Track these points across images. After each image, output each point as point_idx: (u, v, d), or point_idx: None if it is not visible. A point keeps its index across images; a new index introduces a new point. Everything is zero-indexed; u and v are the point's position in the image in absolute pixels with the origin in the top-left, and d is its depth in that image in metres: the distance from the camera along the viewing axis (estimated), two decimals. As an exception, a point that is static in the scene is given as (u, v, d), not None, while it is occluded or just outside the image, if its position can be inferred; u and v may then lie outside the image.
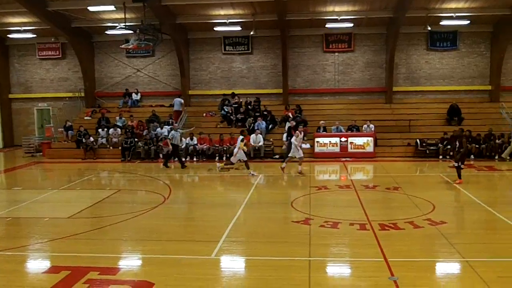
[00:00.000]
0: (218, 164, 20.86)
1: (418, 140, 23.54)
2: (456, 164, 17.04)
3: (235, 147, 20.23)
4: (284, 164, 19.23)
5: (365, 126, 24.26)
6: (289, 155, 19.23)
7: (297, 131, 19.29)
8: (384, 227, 11.61)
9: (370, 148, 23.33)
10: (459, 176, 16.92)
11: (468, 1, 24.13)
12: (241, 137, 20.08)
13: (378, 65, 27.69)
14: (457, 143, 17.27)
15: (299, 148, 18.92)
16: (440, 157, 22.87)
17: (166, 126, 24.86)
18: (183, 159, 22.21)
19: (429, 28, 25.88)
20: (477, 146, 22.74)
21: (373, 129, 24.08)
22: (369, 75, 27.87)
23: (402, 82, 27.71)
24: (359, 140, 23.45)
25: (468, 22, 25.63)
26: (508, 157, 22.07)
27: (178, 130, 21.94)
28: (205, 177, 19.86)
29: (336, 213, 13.10)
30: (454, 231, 11.46)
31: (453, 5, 24.52)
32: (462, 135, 17.48)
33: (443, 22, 25.78)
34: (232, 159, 19.78)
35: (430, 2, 24.09)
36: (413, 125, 24.96)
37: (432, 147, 23.27)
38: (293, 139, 19.17)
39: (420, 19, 25.43)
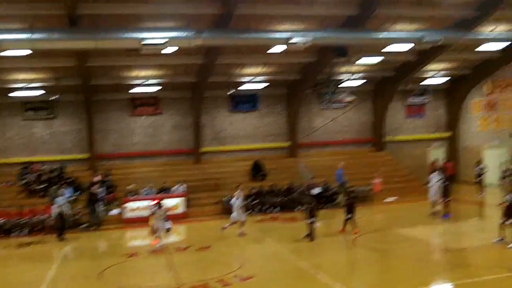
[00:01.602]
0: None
1: (225, 198, 24.44)
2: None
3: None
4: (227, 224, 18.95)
5: (176, 186, 24.57)
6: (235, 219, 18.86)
7: (238, 191, 19.06)
8: (195, 289, 11.84)
9: (181, 209, 23.63)
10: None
11: (265, 67, 26.25)
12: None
13: (185, 127, 28.48)
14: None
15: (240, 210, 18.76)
16: (248, 212, 23.92)
17: None
18: None
19: (231, 92, 27.51)
20: (280, 199, 24.35)
21: (184, 189, 24.47)
22: (178, 137, 28.49)
23: (209, 143, 28.78)
24: (170, 202, 23.62)
25: (266, 85, 27.81)
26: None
27: None
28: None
29: (148, 280, 13.05)
30: (261, 285, 12.11)
31: (251, 71, 26.46)
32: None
33: (243, 86, 27.63)
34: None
35: (231, 68, 25.74)
36: (221, 183, 25.94)
37: (240, 204, 24.30)
38: (233, 201, 18.88)
39: (223, 84, 26.96)
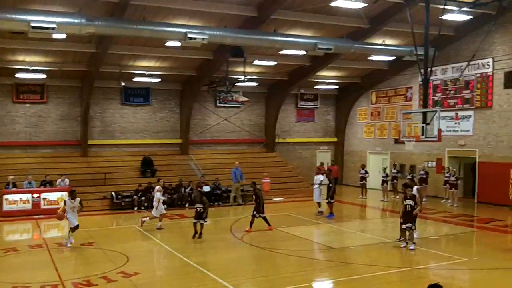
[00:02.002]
0: (143, 219, 18.77)
1: (113, 193, 23.78)
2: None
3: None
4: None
5: (59, 180, 23.44)
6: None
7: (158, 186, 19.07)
8: (78, 286, 11.36)
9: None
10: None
11: (159, 61, 25.77)
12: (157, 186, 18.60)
13: (73, 118, 27.26)
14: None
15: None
16: (135, 208, 23.46)
17: None
18: None
19: (123, 84, 26.76)
20: (169, 196, 24.02)
21: (67, 183, 23.42)
22: (64, 128, 27.19)
23: (98, 135, 27.79)
24: (53, 196, 22.55)
25: (159, 80, 27.32)
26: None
27: None
28: None
29: (26, 277, 12.29)
30: (146, 281, 11.84)
31: (145, 64, 25.88)
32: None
33: (136, 79, 26.94)
34: (154, 212, 18.43)
35: (123, 59, 24.96)
36: (108, 178, 25.13)
37: (127, 199, 23.75)
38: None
39: (115, 75, 26.13)
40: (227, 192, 25.42)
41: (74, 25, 17.71)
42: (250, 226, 17.94)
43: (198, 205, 16.60)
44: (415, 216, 15.17)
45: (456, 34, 25.30)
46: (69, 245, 15.45)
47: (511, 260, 13.92)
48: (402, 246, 15.28)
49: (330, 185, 21.22)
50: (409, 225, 15.07)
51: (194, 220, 16.70)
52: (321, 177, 21.97)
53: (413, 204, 15.12)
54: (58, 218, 15.90)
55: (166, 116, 29.43)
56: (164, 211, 18.92)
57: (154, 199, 18.86)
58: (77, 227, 15.63)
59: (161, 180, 20.65)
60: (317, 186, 21.72)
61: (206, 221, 16.84)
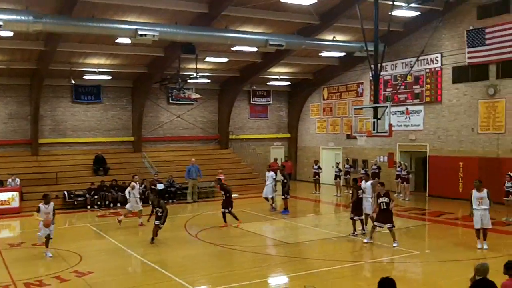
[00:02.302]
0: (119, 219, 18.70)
1: (66, 192, 23.46)
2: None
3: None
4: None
5: (9, 180, 22.96)
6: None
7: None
8: (30, 286, 11.26)
9: (15, 203, 22.16)
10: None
11: (110, 58, 25.49)
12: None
13: (23, 117, 26.70)
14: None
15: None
16: (88, 207, 23.21)
17: None
18: None
19: (73, 82, 26.37)
20: (122, 194, 23.81)
21: (18, 183, 22.97)
22: (13, 127, 26.60)
23: (48, 134, 27.30)
24: (3, 196, 22.09)
25: (110, 77, 27.02)
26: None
27: None
28: None
29: (-25, 277, 12.08)
30: (100, 280, 11.83)
31: (95, 61, 25.54)
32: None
33: (87, 76, 26.58)
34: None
35: (73, 56, 24.58)
36: (60, 176, 24.75)
37: (80, 198, 23.48)
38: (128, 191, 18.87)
39: (65, 73, 25.66)
40: (181, 190, 25.43)
41: (21, 23, 17.42)
42: (225, 221, 18.26)
43: (157, 209, 15.97)
44: (391, 212, 15.07)
45: (405, 30, 25.95)
46: (49, 255, 14.10)
47: (462, 252, 14.26)
48: (365, 241, 15.43)
49: (285, 181, 21.52)
50: (389, 225, 14.86)
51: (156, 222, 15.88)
52: (272, 174, 22.25)
53: (388, 201, 14.88)
54: (46, 225, 14.29)
55: (118, 113, 29.16)
56: (140, 208, 19.00)
57: (132, 195, 18.80)
58: (48, 236, 14.15)
59: (136, 176, 20.21)
60: (269, 182, 21.98)
61: (160, 226, 15.96)
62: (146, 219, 17.37)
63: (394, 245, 14.80)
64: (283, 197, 21.31)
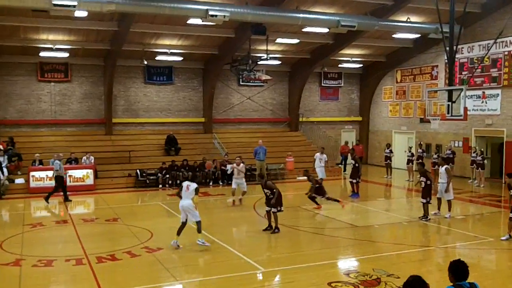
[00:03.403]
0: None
1: (138, 171, 23.89)
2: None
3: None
4: None
5: (84, 158, 23.67)
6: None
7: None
8: (102, 260, 11.43)
9: (90, 181, 22.81)
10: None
11: (181, 39, 25.63)
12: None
13: (97, 97, 27.38)
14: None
15: None
16: (160, 186, 23.56)
17: None
18: None
19: (146, 62, 26.74)
20: (193, 174, 24.04)
21: (92, 161, 23.64)
22: (88, 107, 27.34)
23: (122, 114, 27.87)
24: (78, 173, 22.75)
25: (181, 58, 27.21)
26: None
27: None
28: None
29: (51, 250, 12.47)
30: (170, 256, 11.87)
31: (167, 42, 25.75)
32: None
33: (159, 57, 26.89)
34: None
35: (145, 37, 24.88)
36: (133, 156, 25.24)
37: (152, 177, 23.87)
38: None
39: (137, 53, 26.06)
40: (251, 171, 25.30)
41: (95, 3, 17.75)
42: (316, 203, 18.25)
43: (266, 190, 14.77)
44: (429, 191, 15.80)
45: (482, 11, 24.62)
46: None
47: (538, 239, 13.55)
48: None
49: (356, 164, 20.97)
50: (423, 200, 15.78)
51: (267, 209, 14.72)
52: (320, 155, 22.51)
53: (425, 181, 15.70)
54: None
55: (189, 95, 29.36)
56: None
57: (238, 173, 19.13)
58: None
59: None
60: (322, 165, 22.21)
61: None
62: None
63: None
64: (354, 180, 20.78)
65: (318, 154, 22.80)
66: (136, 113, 28.22)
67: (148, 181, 23.75)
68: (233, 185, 19.16)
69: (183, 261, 11.57)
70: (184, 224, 12.72)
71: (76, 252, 12.09)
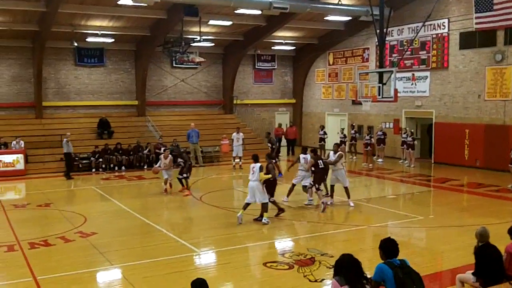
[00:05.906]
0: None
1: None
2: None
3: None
4: None
5: (13, 142, 23.01)
6: None
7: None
8: (34, 246, 11.35)
9: (20, 166, 22.25)
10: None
11: (112, 20, 25.14)
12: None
13: (26, 79, 26.53)
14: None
15: None
16: (93, 170, 23.31)
17: None
18: None
19: (76, 44, 26.15)
20: (127, 157, 23.95)
21: (22, 145, 23.01)
22: (17, 90, 26.47)
23: (52, 97, 27.17)
24: (8, 158, 22.15)
25: (113, 40, 26.76)
26: None
27: None
28: None
29: (-19, 237, 12.18)
30: (104, 241, 11.88)
31: (97, 23, 25.21)
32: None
33: (89, 39, 26.32)
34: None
35: (75, 18, 24.23)
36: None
37: (84, 161, 23.57)
38: None
39: (67, 35, 25.43)
40: (187, 154, 25.38)
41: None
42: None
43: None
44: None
45: (412, -6, 25.49)
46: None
47: (466, 218, 14.27)
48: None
49: (273, 146, 21.48)
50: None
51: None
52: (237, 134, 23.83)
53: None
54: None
55: (121, 77, 28.94)
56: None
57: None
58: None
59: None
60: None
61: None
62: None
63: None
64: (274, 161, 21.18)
65: (234, 134, 23.43)
66: (67, 96, 27.60)
67: (80, 165, 23.44)
68: (164, 175, 18.75)
69: (118, 245, 11.63)
70: (247, 204, 13.47)
71: (7, 238, 11.92)
